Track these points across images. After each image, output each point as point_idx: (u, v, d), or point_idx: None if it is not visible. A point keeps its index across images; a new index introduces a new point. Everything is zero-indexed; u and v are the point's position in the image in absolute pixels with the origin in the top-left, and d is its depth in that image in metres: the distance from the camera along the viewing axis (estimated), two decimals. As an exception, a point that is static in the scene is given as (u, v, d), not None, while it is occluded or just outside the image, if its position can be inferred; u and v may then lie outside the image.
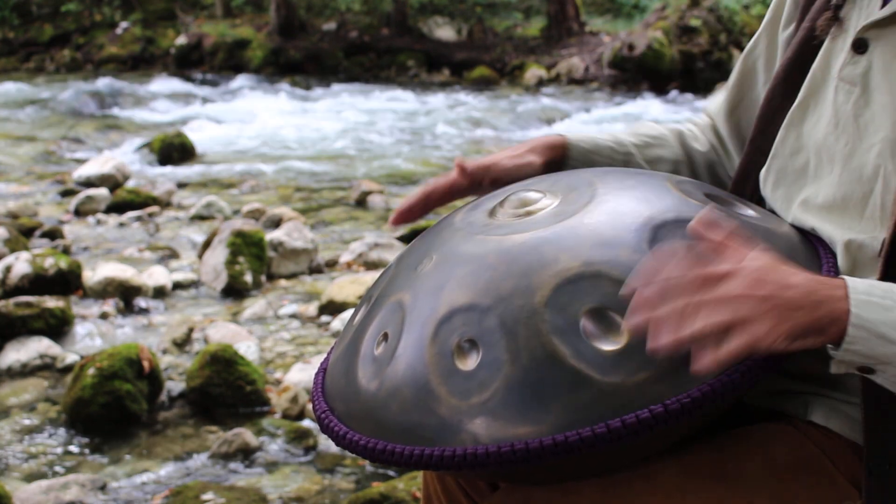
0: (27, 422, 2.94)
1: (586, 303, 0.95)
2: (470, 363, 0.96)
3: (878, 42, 1.05)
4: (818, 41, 1.16)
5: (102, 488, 2.54)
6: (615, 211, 1.04)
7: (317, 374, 1.14)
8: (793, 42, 1.20)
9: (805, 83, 1.16)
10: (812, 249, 1.09)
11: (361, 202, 5.96)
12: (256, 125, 9.03)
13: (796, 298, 0.92)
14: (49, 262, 3.92)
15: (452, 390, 0.95)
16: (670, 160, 1.36)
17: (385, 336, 1.03)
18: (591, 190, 1.09)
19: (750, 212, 1.11)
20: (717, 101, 1.40)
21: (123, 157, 7.11)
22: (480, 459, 0.91)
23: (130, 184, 6.28)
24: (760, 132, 1.23)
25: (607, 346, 0.93)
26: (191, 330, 3.60)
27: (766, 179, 1.20)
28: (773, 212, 1.19)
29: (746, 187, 1.25)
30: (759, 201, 1.23)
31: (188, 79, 12.63)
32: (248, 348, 3.38)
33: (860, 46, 1.07)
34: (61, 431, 2.88)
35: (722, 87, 1.43)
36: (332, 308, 3.82)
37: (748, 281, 0.92)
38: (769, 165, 1.20)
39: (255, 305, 3.91)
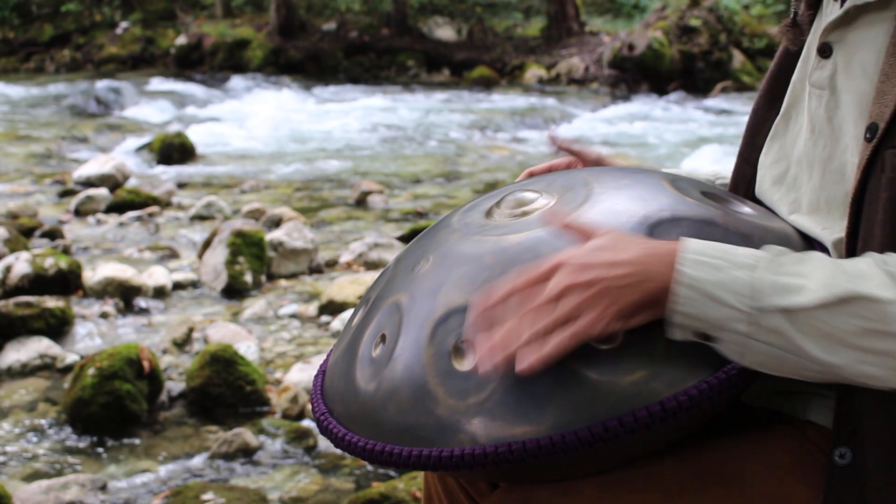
0: (27, 422, 2.94)
1: None
2: (467, 364, 0.96)
3: (839, 44, 1.06)
4: (796, 53, 1.17)
5: (102, 488, 2.54)
6: (611, 210, 1.04)
7: (316, 376, 1.14)
8: (777, 53, 1.22)
9: (786, 95, 1.17)
10: (808, 248, 1.09)
11: (361, 202, 5.96)
12: (256, 125, 9.03)
13: (623, 276, 0.91)
14: (49, 262, 3.92)
15: (450, 391, 0.95)
16: None
17: (383, 338, 1.04)
18: (586, 189, 1.09)
19: (746, 209, 1.11)
20: None
21: (123, 157, 7.11)
22: (478, 460, 0.92)
23: (130, 184, 6.28)
24: (747, 143, 1.25)
25: (604, 345, 0.94)
26: (191, 330, 3.60)
27: (758, 191, 1.21)
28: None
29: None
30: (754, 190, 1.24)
31: (188, 79, 12.63)
32: (248, 348, 3.38)
33: (825, 51, 1.08)
34: (61, 431, 2.89)
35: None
36: (332, 308, 3.83)
37: (573, 270, 0.92)
38: (759, 178, 1.20)
39: (255, 305, 3.91)
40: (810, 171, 1.10)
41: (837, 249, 1.05)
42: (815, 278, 0.90)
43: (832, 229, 1.07)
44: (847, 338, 0.89)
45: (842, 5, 1.07)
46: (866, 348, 0.89)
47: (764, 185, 1.19)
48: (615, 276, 0.91)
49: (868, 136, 0.98)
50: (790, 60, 1.19)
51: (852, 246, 0.99)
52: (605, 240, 0.95)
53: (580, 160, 1.32)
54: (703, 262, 0.91)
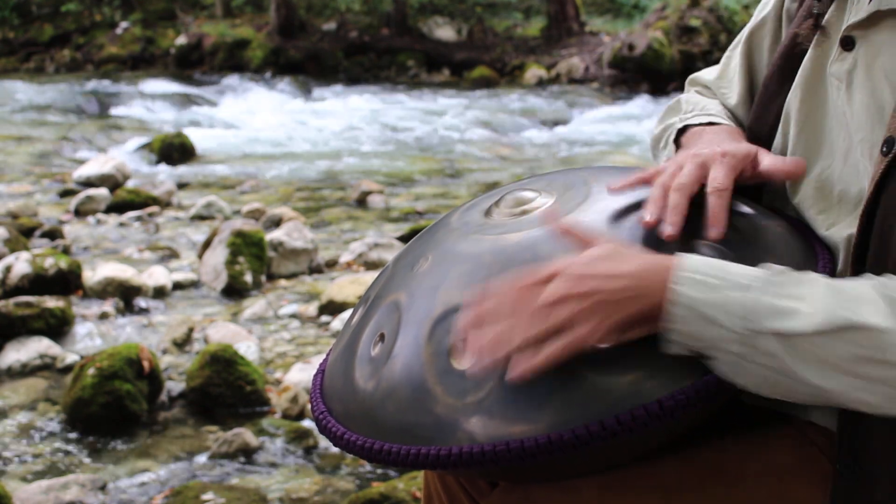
0: (27, 422, 2.94)
1: None
2: (466, 362, 0.96)
3: (863, 41, 1.05)
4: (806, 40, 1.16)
5: (102, 488, 2.54)
6: (610, 209, 1.04)
7: (315, 375, 1.15)
8: (791, 27, 1.20)
9: (799, 72, 1.15)
10: (808, 247, 1.08)
11: (361, 202, 5.96)
12: (256, 125, 9.03)
13: (620, 289, 0.91)
14: (49, 262, 3.92)
15: (448, 389, 0.95)
16: None
17: (382, 336, 1.04)
18: (586, 189, 1.09)
19: (745, 208, 1.11)
20: (727, 85, 1.33)
21: (123, 157, 7.11)
22: (476, 458, 0.92)
23: (130, 184, 6.28)
24: (757, 118, 1.22)
25: (602, 344, 0.94)
26: (191, 330, 3.60)
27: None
28: (771, 204, 1.19)
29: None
30: (758, 187, 1.23)
31: (188, 79, 12.64)
32: (248, 348, 3.38)
33: (847, 43, 1.07)
34: (61, 431, 2.88)
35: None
36: (332, 308, 3.83)
37: (571, 279, 0.92)
38: (773, 148, 1.19)
39: (255, 305, 3.91)
40: (830, 158, 1.09)
41: (846, 247, 1.05)
42: (811, 302, 0.89)
43: (839, 225, 1.06)
44: (842, 364, 0.88)
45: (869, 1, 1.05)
46: (861, 375, 0.88)
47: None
48: (612, 290, 0.91)
49: (885, 149, 0.97)
50: (804, 38, 1.17)
51: (861, 255, 0.99)
52: (604, 250, 0.94)
53: None
54: (699, 280, 0.90)
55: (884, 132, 0.99)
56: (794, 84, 1.15)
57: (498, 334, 0.92)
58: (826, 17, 1.12)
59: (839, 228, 1.06)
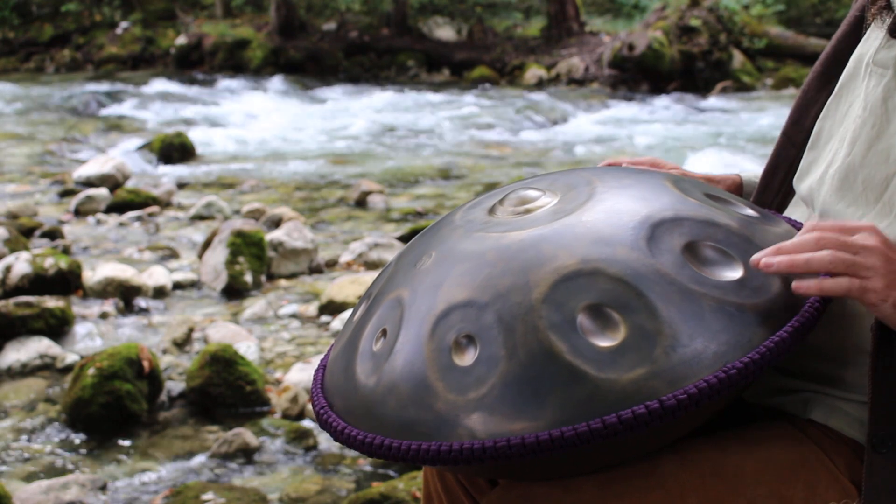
0: (27, 422, 2.94)
1: (583, 299, 0.95)
2: (467, 359, 0.96)
3: None
4: (854, 37, 1.16)
5: (102, 488, 2.54)
6: (613, 209, 1.04)
7: (316, 371, 1.15)
8: (834, 36, 1.21)
9: (842, 74, 1.16)
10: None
11: (361, 202, 5.96)
12: (256, 125, 9.03)
13: None
14: (49, 262, 3.92)
15: (450, 385, 0.96)
16: None
17: (384, 332, 1.04)
18: (589, 188, 1.09)
19: (748, 211, 1.11)
20: None
21: (123, 157, 7.10)
22: (477, 454, 0.92)
23: (130, 184, 6.28)
24: (794, 123, 1.24)
25: (604, 343, 0.94)
26: (191, 330, 3.60)
27: (799, 171, 1.20)
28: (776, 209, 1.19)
29: (775, 178, 1.26)
30: (788, 192, 1.23)
31: (188, 79, 12.63)
32: (248, 348, 3.38)
33: None
34: (61, 431, 2.88)
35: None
36: (332, 308, 3.83)
37: (881, 240, 0.95)
38: (805, 157, 1.19)
39: (255, 305, 3.91)
40: (851, 146, 1.10)
41: None
42: None
43: (868, 216, 1.07)
44: None
45: None
46: None
47: (810, 164, 1.19)
48: None
49: None
50: (847, 44, 1.18)
51: None
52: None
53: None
54: None
55: None
56: (837, 86, 1.16)
57: (801, 241, 0.95)
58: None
59: (869, 220, 1.06)
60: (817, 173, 1.15)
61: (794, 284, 0.94)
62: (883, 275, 0.94)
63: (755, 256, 0.96)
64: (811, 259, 0.94)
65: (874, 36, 1.11)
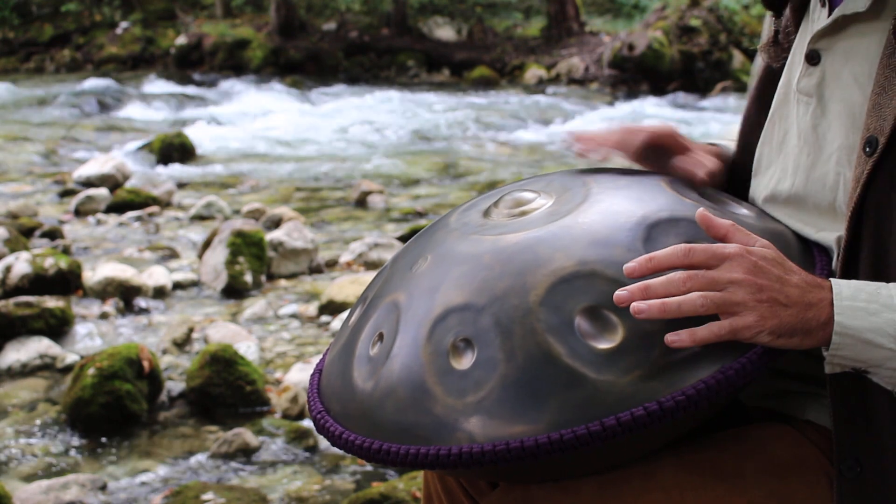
0: (27, 422, 2.94)
1: (581, 301, 0.95)
2: (465, 362, 0.96)
3: (828, 52, 1.06)
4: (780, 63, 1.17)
5: (102, 488, 2.54)
6: (609, 210, 1.04)
7: (312, 376, 1.14)
8: (762, 61, 1.22)
9: (773, 100, 1.17)
10: (807, 249, 1.09)
11: (361, 202, 5.96)
12: (256, 125, 9.03)
13: (790, 296, 0.93)
14: (49, 262, 3.92)
15: (448, 389, 0.95)
16: None
17: (380, 336, 1.03)
18: (585, 190, 1.09)
19: (744, 210, 1.11)
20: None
21: (123, 157, 7.11)
22: (476, 458, 0.92)
23: (130, 184, 6.28)
24: (741, 150, 1.24)
25: (602, 345, 0.94)
26: (191, 330, 3.60)
27: (753, 196, 1.21)
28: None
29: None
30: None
31: (188, 79, 12.63)
32: (248, 348, 3.38)
33: (813, 58, 1.08)
34: (61, 431, 2.89)
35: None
36: (332, 308, 3.83)
37: (750, 266, 0.93)
38: (752, 184, 1.20)
39: (255, 305, 3.91)
40: (793, 177, 1.11)
41: (838, 249, 1.05)
42: None
43: (826, 230, 1.07)
44: None
45: (829, 12, 1.06)
46: None
47: (757, 189, 1.19)
48: (783, 296, 0.93)
49: (867, 150, 0.98)
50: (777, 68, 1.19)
51: (853, 256, 1.00)
52: (773, 253, 0.96)
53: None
54: (858, 307, 0.94)
55: (859, 135, 1.00)
56: (770, 112, 1.16)
57: (668, 282, 0.93)
58: (792, 37, 1.14)
59: (828, 233, 1.07)
60: (760, 200, 1.16)
61: (667, 339, 0.92)
62: (752, 308, 0.92)
63: (618, 293, 0.92)
64: (682, 303, 0.92)
65: (797, 61, 1.12)
